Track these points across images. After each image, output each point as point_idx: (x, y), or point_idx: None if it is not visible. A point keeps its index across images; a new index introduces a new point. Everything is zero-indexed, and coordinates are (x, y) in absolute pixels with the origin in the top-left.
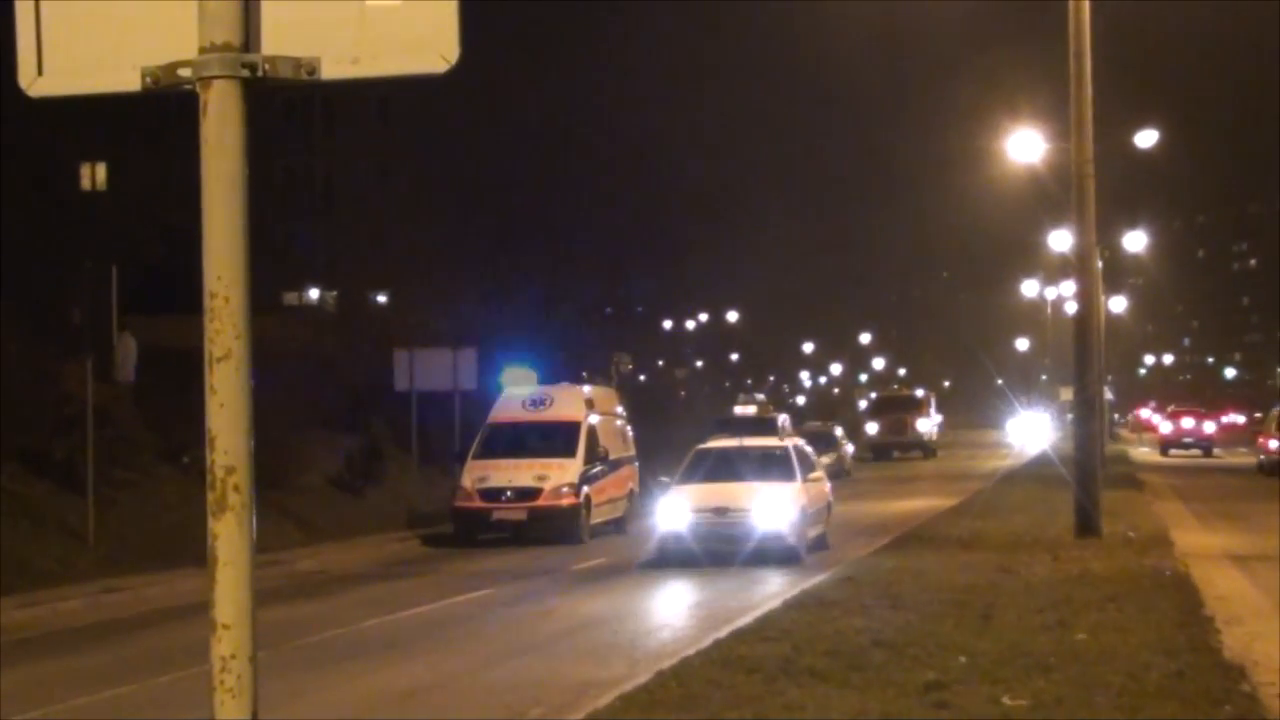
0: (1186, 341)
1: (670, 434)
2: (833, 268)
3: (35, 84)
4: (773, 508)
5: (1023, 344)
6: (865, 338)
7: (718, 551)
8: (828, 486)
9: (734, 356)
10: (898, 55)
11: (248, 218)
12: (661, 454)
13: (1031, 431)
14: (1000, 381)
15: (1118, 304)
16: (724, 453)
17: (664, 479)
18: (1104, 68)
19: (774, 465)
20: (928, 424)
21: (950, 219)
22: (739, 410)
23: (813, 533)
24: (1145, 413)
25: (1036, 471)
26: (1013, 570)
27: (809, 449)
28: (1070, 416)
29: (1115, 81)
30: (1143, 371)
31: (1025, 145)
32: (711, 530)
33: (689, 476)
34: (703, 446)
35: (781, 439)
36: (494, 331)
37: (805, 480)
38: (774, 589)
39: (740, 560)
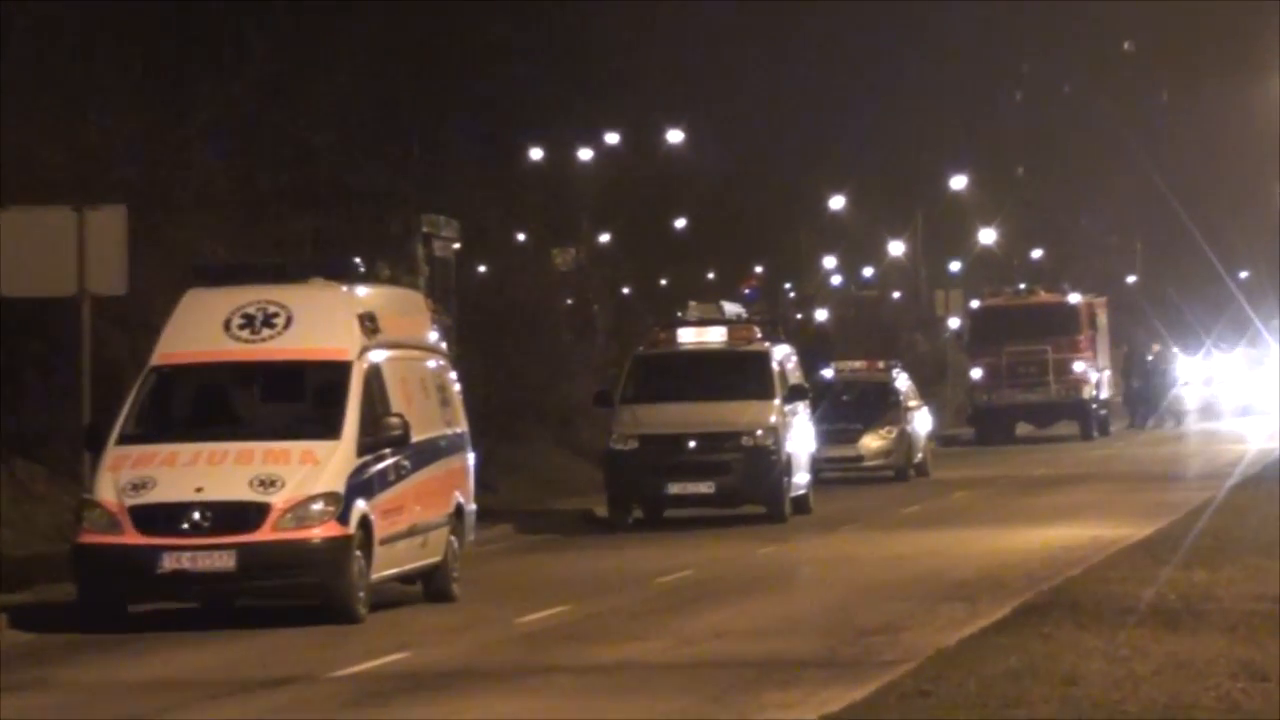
0: None
1: (543, 387)
2: (888, 48)
3: None
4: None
5: None
6: (958, 183)
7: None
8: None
9: (680, 223)
10: None
11: None
12: (522, 426)
13: None
14: (1243, 277)
15: None
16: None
17: None
18: None
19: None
20: (1093, 367)
21: None
22: (687, 335)
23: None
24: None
25: None
26: (1268, 675)
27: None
28: None
29: None
30: None
31: None
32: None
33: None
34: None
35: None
36: (167, 173)
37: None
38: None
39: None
